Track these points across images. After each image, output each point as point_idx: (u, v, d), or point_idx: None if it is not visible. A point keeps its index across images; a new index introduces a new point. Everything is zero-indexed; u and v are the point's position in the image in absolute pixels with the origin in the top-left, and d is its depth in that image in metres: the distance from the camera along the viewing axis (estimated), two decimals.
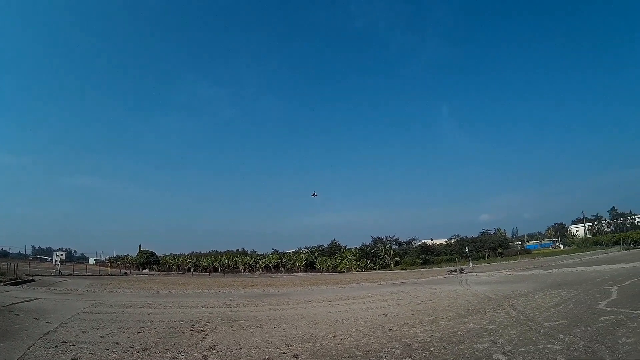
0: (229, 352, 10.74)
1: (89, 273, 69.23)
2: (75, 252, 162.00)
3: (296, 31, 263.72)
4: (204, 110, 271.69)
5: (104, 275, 68.60)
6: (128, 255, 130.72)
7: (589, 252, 70.28)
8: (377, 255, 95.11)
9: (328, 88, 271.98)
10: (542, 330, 11.21)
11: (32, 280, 38.80)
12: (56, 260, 65.48)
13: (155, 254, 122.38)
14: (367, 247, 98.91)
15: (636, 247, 70.21)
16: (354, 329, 13.75)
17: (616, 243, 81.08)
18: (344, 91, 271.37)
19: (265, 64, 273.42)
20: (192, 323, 15.48)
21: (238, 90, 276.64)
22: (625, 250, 66.17)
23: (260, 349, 11.14)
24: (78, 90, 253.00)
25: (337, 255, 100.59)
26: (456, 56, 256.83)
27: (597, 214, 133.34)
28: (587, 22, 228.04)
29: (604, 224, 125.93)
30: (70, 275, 58.31)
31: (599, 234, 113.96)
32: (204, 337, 12.73)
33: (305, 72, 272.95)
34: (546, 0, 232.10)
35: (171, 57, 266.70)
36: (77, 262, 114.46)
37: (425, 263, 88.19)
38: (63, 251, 77.75)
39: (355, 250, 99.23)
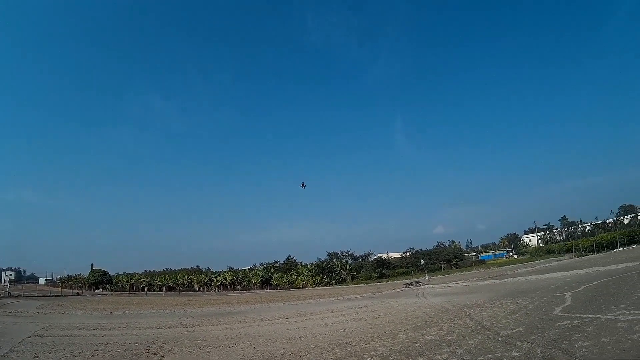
0: None
1: (40, 294, 66.33)
2: (24, 271, 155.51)
3: (251, 43, 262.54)
4: (154, 123, 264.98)
5: (56, 295, 65.84)
6: (80, 274, 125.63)
7: (542, 261, 72.83)
8: (334, 271, 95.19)
9: (281, 101, 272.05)
10: (499, 339, 11.31)
11: None
12: (5, 281, 62.45)
13: (107, 273, 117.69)
14: (323, 263, 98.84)
15: (587, 254, 73.28)
16: (312, 346, 13.58)
17: (568, 251, 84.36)
18: (297, 104, 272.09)
19: (218, 76, 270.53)
20: (148, 344, 15.04)
21: (189, 102, 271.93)
22: (577, 257, 69.01)
23: None
24: (22, 102, 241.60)
25: (293, 271, 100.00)
26: (409, 69, 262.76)
27: (549, 223, 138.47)
28: (533, 44, 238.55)
29: (555, 233, 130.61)
30: (20, 296, 55.56)
31: (551, 242, 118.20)
32: (160, 359, 12.43)
33: (258, 85, 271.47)
34: (497, 20, 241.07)
35: (120, 68, 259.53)
36: (27, 282, 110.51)
37: (381, 277, 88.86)
38: (12, 271, 74.37)
39: (312, 266, 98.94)
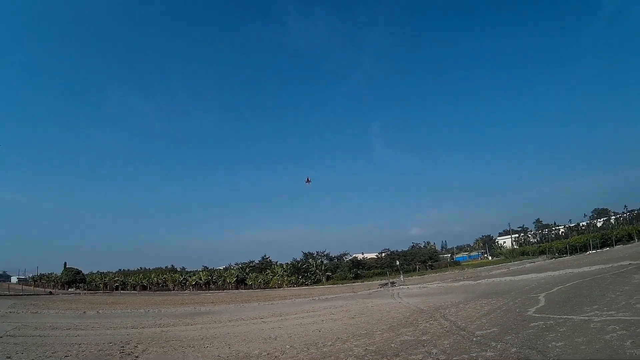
0: None
1: (12, 293, 65.15)
2: None
3: (232, 45, 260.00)
4: (132, 124, 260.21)
5: (28, 294, 64.31)
6: (53, 273, 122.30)
7: (516, 262, 74.13)
8: (309, 271, 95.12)
9: (260, 103, 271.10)
10: (474, 339, 11.42)
11: None
12: None
13: (81, 272, 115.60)
14: (298, 263, 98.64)
15: (561, 256, 74.70)
16: (288, 346, 13.55)
17: (542, 253, 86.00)
18: (276, 107, 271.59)
19: (199, 78, 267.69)
20: (122, 345, 14.83)
21: (169, 104, 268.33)
22: (551, 259, 70.40)
23: None
24: None
25: (268, 271, 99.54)
26: (389, 73, 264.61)
27: (523, 225, 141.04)
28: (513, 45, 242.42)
29: (530, 235, 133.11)
30: None
31: (526, 244, 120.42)
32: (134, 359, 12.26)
33: (239, 87, 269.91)
34: (476, 24, 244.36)
35: (101, 66, 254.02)
36: None
37: (357, 277, 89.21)
38: None
39: (287, 266, 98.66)
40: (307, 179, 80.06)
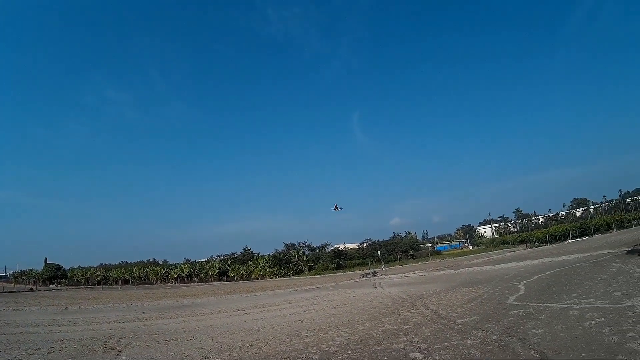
0: None
1: None
2: None
3: (209, 34, 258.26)
4: (108, 116, 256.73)
5: (9, 292, 63.73)
6: (33, 269, 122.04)
7: (496, 251, 75.17)
8: (291, 262, 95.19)
9: (238, 94, 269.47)
10: (455, 327, 11.54)
11: None
12: None
13: (62, 267, 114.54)
14: (280, 254, 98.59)
15: (541, 245, 76.06)
16: (270, 337, 13.57)
17: (522, 242, 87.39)
18: (255, 96, 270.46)
19: (176, 68, 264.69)
20: (105, 340, 14.73)
21: (145, 96, 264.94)
22: (531, 248, 71.68)
23: None
24: None
25: (250, 262, 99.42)
26: (368, 63, 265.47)
27: (503, 215, 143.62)
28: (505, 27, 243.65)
29: (510, 225, 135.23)
30: None
31: (506, 233, 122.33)
32: (117, 354, 12.15)
33: (216, 77, 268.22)
34: (456, 15, 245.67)
35: (76, 54, 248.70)
36: None
37: (338, 268, 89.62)
38: None
39: (269, 257, 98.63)
40: (335, 206, 78.90)
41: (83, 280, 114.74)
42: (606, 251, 30.64)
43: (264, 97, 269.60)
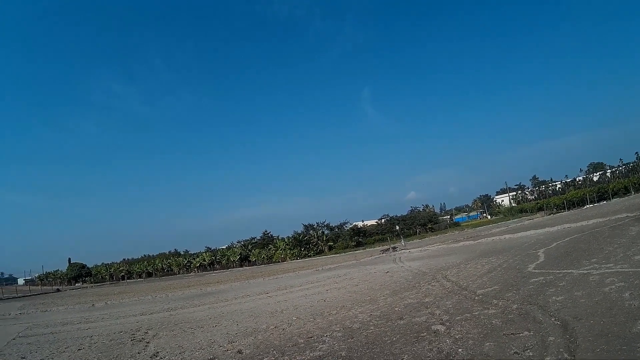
0: (173, 357, 10.46)
1: (20, 294, 65.10)
2: (2, 274, 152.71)
3: (211, 20, 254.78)
4: (118, 110, 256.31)
5: (36, 294, 64.70)
6: (58, 270, 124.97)
7: (515, 220, 74.58)
8: (311, 242, 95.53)
9: (245, 79, 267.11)
10: (476, 298, 11.63)
11: None
12: None
13: (86, 265, 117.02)
14: (299, 235, 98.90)
15: (559, 211, 75.28)
16: (294, 318, 13.75)
17: (540, 209, 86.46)
18: (262, 80, 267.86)
19: (179, 56, 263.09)
20: (132, 332, 15.08)
21: (152, 87, 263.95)
22: (549, 215, 70.93)
23: (203, 349, 10.95)
24: None
25: (270, 246, 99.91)
26: (374, 40, 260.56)
27: (520, 183, 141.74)
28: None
29: (527, 192, 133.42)
30: (0, 298, 54.86)
31: (523, 201, 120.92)
32: (145, 345, 12.40)
33: (222, 63, 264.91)
34: None
35: (81, 51, 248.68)
36: (6, 284, 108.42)
37: (358, 245, 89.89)
38: None
39: (288, 240, 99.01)
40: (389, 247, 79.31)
41: (107, 277, 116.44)
42: (625, 215, 30.30)
43: (272, 80, 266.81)
